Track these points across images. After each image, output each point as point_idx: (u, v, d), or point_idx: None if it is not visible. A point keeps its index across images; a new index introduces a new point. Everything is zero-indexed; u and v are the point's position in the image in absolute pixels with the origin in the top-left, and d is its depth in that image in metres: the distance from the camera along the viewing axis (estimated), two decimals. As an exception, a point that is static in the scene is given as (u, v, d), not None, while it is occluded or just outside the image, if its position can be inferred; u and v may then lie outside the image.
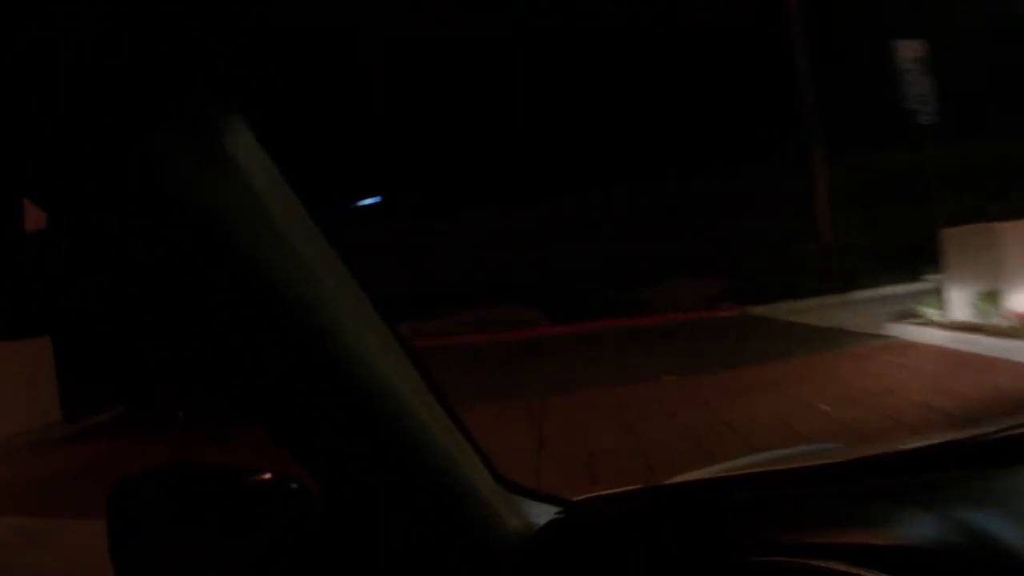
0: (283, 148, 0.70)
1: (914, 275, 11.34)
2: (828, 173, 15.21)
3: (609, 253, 16.04)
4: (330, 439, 0.81)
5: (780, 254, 14.61)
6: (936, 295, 8.65)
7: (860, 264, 13.39)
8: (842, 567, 0.76)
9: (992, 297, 7.52)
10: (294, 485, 0.82)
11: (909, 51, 10.53)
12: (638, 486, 1.00)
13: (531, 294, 15.02)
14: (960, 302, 8.08)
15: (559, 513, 0.98)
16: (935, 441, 0.96)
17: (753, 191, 16.49)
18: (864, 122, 14.74)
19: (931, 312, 8.57)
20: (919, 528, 0.80)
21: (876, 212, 14.99)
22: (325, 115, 17.63)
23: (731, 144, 17.75)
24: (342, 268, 0.73)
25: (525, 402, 7.15)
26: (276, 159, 0.66)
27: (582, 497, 1.00)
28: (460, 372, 8.98)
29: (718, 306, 14.56)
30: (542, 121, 18.75)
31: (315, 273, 0.69)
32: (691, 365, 8.51)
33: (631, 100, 19.03)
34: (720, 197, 16.96)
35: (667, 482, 1.10)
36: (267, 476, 0.83)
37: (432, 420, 0.83)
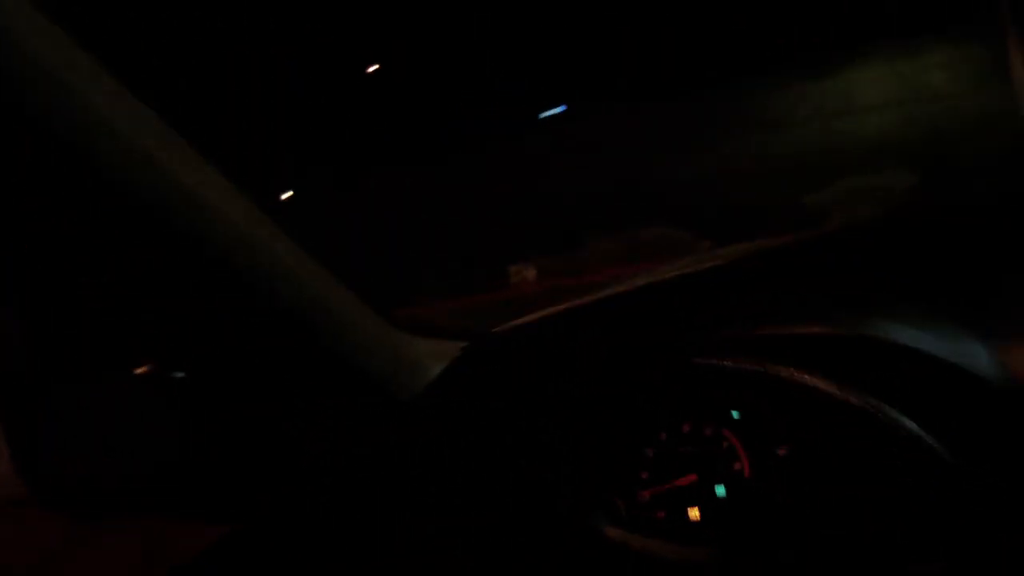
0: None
1: None
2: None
3: (773, 151, 14.71)
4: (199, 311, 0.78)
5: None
6: None
7: None
8: (782, 369, 0.76)
9: None
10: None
11: None
12: (555, 309, 0.91)
13: (680, 212, 13.97)
14: None
15: (471, 344, 0.91)
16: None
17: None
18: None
19: None
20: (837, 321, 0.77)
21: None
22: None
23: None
24: (163, 128, 0.67)
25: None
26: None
27: (496, 328, 0.93)
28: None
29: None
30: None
31: (137, 135, 0.64)
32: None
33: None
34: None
35: (580, 302, 0.95)
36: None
37: (304, 277, 0.77)
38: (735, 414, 0.85)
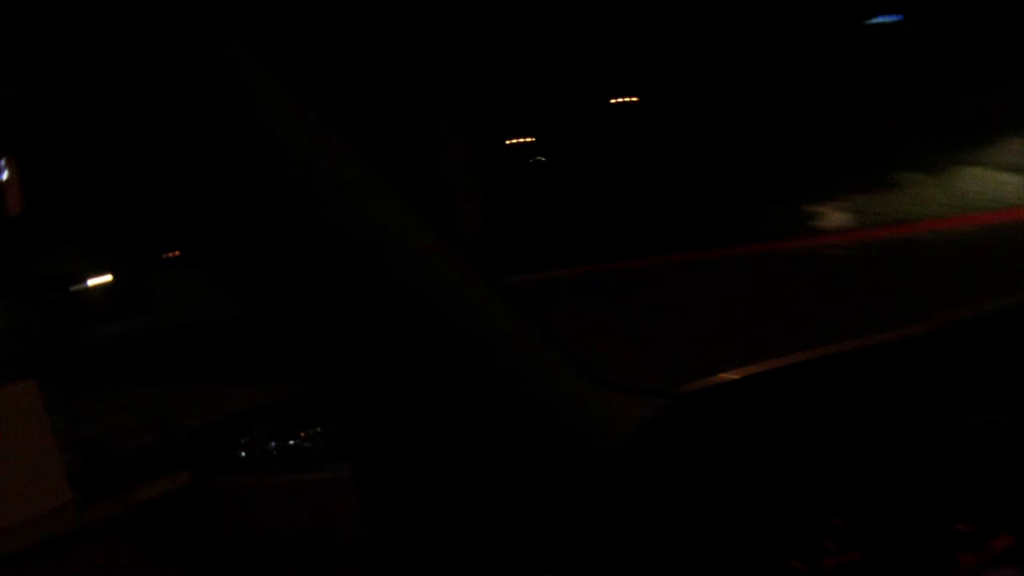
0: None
1: None
2: None
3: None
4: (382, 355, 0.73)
5: None
6: None
7: None
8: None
9: None
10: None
11: None
12: (758, 368, 0.87)
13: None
14: None
15: (667, 403, 0.85)
16: None
17: None
18: None
19: None
20: None
21: None
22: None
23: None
24: (384, 184, 0.68)
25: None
26: None
27: (693, 385, 0.88)
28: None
29: None
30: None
31: (356, 187, 0.65)
32: None
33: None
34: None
35: (789, 361, 0.91)
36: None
37: (501, 322, 0.74)
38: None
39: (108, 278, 29.39)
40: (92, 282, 29.72)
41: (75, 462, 5.71)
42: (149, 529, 4.73)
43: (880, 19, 17.54)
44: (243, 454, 0.90)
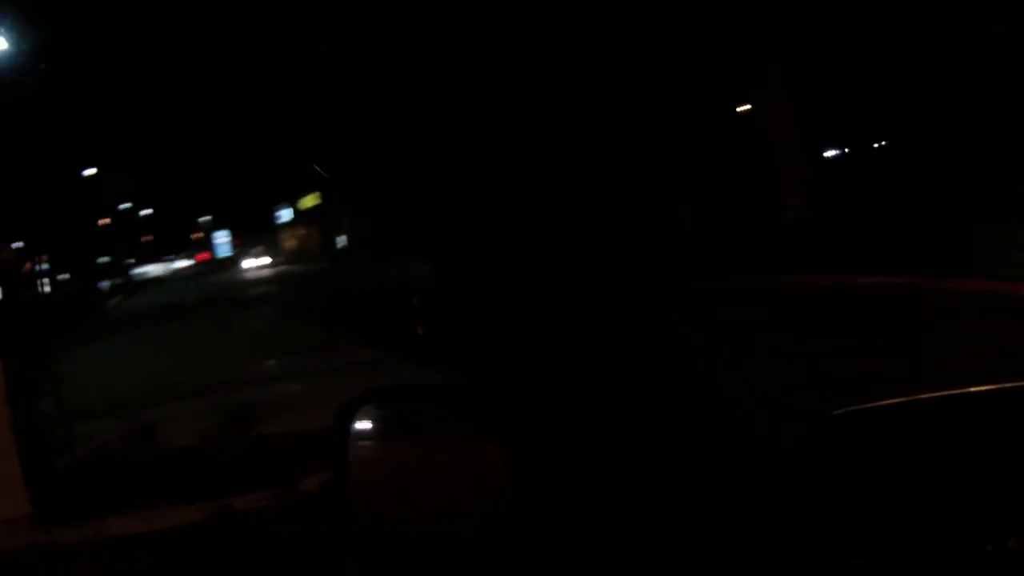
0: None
1: None
2: None
3: None
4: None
5: None
6: None
7: None
8: None
9: None
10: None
11: None
12: (908, 398, 0.87)
13: None
14: None
15: (822, 424, 0.86)
16: None
17: None
18: None
19: None
20: None
21: None
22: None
23: None
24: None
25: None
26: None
27: (841, 411, 0.87)
28: None
29: None
30: None
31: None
32: None
33: None
34: None
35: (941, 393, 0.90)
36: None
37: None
38: None
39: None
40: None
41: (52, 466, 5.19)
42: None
43: None
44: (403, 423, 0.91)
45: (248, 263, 45.79)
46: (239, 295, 23.86)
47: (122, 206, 52.45)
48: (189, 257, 63.39)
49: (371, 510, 0.91)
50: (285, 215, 46.76)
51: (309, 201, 40.88)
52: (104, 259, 48.99)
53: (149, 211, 63.63)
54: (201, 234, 71.22)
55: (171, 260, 60.07)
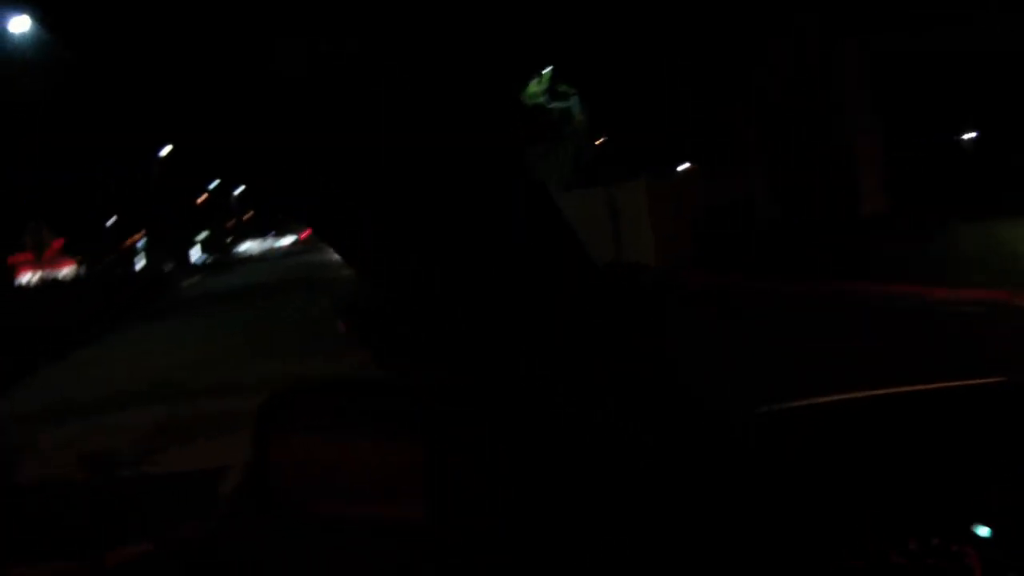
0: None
1: None
2: None
3: None
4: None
5: None
6: None
7: None
8: None
9: None
10: None
11: None
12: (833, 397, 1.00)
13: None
14: None
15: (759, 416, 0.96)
16: None
17: None
18: None
19: None
20: None
21: None
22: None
23: None
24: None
25: None
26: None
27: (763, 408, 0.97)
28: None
29: None
30: None
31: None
32: None
33: None
34: None
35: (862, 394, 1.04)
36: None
37: None
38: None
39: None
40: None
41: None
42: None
43: None
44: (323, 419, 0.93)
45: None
46: (323, 276, 22.29)
47: (212, 185, 53.60)
48: (295, 234, 63.40)
49: (291, 503, 0.93)
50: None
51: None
52: (203, 235, 50.46)
53: (242, 188, 65.16)
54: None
55: (275, 237, 60.96)
